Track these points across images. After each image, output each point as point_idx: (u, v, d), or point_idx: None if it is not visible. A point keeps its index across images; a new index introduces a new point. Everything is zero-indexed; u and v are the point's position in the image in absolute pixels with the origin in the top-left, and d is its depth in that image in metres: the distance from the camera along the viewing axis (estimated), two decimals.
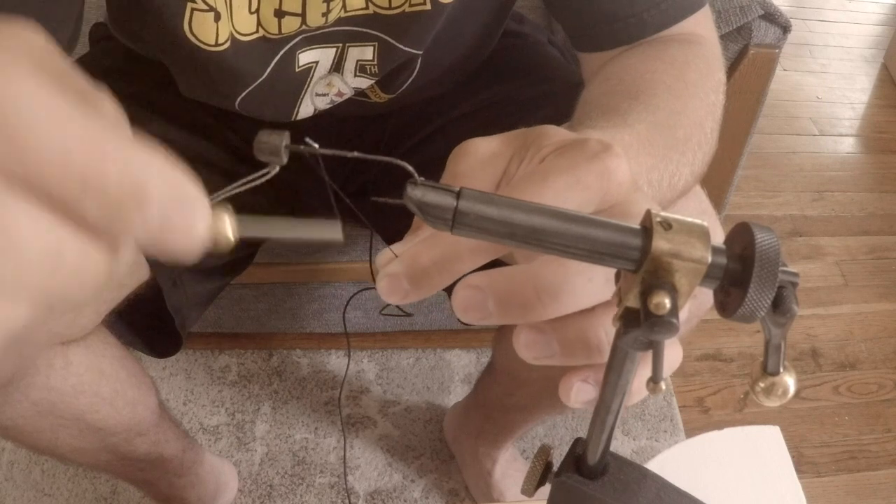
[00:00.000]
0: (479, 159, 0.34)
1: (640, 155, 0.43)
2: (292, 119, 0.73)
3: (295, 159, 0.26)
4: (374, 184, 0.86)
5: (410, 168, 0.27)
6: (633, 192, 0.32)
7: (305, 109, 0.72)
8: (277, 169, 0.26)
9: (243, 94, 0.68)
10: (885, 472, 1.29)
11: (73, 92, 0.20)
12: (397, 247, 0.31)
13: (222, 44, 0.61)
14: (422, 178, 0.27)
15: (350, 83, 0.71)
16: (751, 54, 0.91)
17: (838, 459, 1.30)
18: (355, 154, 0.27)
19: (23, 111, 0.18)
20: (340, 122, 0.81)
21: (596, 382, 0.32)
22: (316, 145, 0.26)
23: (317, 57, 0.67)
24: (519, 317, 0.29)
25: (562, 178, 0.31)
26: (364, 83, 0.71)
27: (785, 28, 0.91)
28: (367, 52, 0.67)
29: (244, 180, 0.27)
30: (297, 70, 0.67)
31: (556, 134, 0.35)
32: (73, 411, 0.68)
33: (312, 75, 0.69)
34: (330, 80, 0.70)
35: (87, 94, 0.21)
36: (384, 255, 0.31)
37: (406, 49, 0.67)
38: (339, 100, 0.73)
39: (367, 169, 0.86)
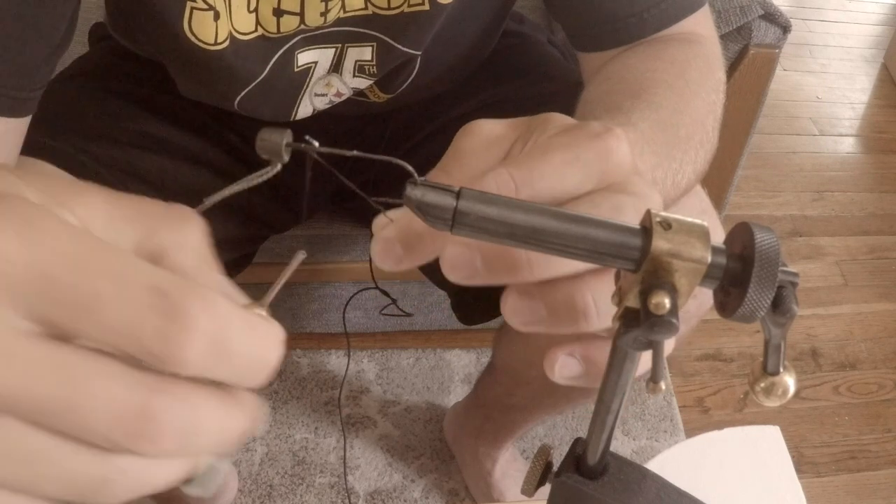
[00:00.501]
0: (485, 139, 0.34)
1: (645, 153, 0.43)
2: (291, 119, 0.73)
3: (295, 159, 0.26)
4: (374, 183, 0.86)
5: (410, 168, 0.27)
6: (633, 174, 0.32)
7: (304, 109, 0.72)
8: (279, 167, 0.26)
9: (242, 93, 0.68)
10: (885, 472, 1.29)
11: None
12: (393, 212, 0.31)
13: (221, 42, 0.61)
14: (422, 178, 0.27)
15: (349, 83, 0.71)
16: (751, 54, 0.91)
17: (838, 459, 1.30)
18: (355, 153, 0.27)
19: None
20: (340, 121, 0.81)
21: (582, 357, 0.31)
22: (316, 143, 0.26)
23: (316, 57, 0.67)
24: (506, 276, 0.29)
25: (561, 153, 0.31)
26: (363, 83, 0.71)
27: (785, 28, 0.91)
28: (366, 53, 0.67)
29: (246, 179, 0.27)
30: (295, 70, 0.67)
31: (560, 119, 0.35)
32: None
33: (311, 75, 0.69)
34: (329, 81, 0.70)
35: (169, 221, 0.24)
36: (380, 219, 0.31)
37: (405, 49, 0.67)
38: (338, 100, 0.73)
39: (367, 168, 0.86)
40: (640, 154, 0.42)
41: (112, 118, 0.74)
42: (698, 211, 0.61)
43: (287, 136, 0.26)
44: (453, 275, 0.29)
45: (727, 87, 0.59)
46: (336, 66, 0.69)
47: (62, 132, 0.69)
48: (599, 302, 0.29)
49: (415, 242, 0.30)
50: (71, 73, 0.80)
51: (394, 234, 0.30)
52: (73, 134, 0.69)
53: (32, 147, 0.65)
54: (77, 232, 0.21)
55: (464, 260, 0.29)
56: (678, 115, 0.49)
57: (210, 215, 0.26)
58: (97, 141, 0.70)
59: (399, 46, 0.66)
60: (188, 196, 0.75)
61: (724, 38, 0.91)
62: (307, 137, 0.26)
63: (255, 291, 0.25)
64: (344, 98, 0.73)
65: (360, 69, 0.69)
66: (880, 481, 1.28)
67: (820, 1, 2.44)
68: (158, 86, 0.76)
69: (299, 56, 0.66)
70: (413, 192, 0.27)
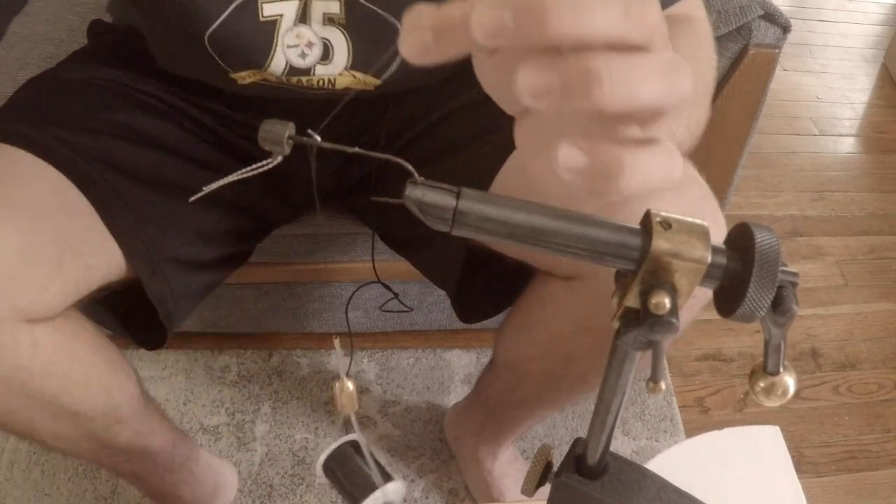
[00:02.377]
0: None
1: None
2: (264, 68, 0.73)
3: (294, 155, 0.26)
4: (375, 179, 0.86)
5: (410, 167, 0.27)
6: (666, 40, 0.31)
7: (278, 61, 0.73)
8: (280, 159, 0.26)
9: (210, 29, 0.68)
10: (885, 472, 1.29)
11: None
12: (426, 5, 0.29)
13: None
14: (422, 178, 0.27)
15: (319, 33, 0.71)
16: (751, 54, 0.91)
17: (838, 459, 1.30)
18: (357, 150, 0.28)
19: None
20: (341, 110, 0.81)
21: (587, 150, 0.29)
22: (318, 138, 0.27)
23: (281, 10, 0.68)
24: (535, 30, 0.27)
25: None
26: (334, 33, 0.71)
27: (785, 28, 0.91)
28: (333, 6, 0.69)
29: (246, 169, 0.27)
30: (261, 20, 0.68)
31: None
32: (45, 392, 0.67)
33: (279, 27, 0.69)
34: (298, 32, 0.70)
35: None
36: (413, 10, 0.29)
37: (370, 6, 0.68)
38: (310, 52, 0.73)
39: (369, 164, 0.86)
40: None
41: (93, 109, 0.75)
42: (698, 198, 0.61)
43: (290, 129, 0.26)
44: (481, 33, 0.27)
45: (727, 88, 0.60)
46: (302, 17, 0.69)
47: (42, 122, 0.70)
48: (615, 72, 0.28)
49: (446, 29, 0.28)
50: (61, 66, 0.81)
51: (427, 23, 0.28)
52: (53, 125, 0.70)
53: (12, 136, 0.66)
54: None
55: (494, 19, 0.27)
56: None
57: (204, 209, 0.26)
58: (76, 131, 0.71)
59: (363, 2, 0.67)
60: (169, 188, 0.75)
61: (725, 38, 0.91)
62: (309, 131, 0.26)
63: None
64: (314, 49, 0.72)
65: (329, 20, 0.70)
66: (880, 481, 1.28)
67: (820, 1, 2.44)
68: (154, 81, 0.77)
69: (264, 7, 0.68)
70: (413, 191, 0.27)
